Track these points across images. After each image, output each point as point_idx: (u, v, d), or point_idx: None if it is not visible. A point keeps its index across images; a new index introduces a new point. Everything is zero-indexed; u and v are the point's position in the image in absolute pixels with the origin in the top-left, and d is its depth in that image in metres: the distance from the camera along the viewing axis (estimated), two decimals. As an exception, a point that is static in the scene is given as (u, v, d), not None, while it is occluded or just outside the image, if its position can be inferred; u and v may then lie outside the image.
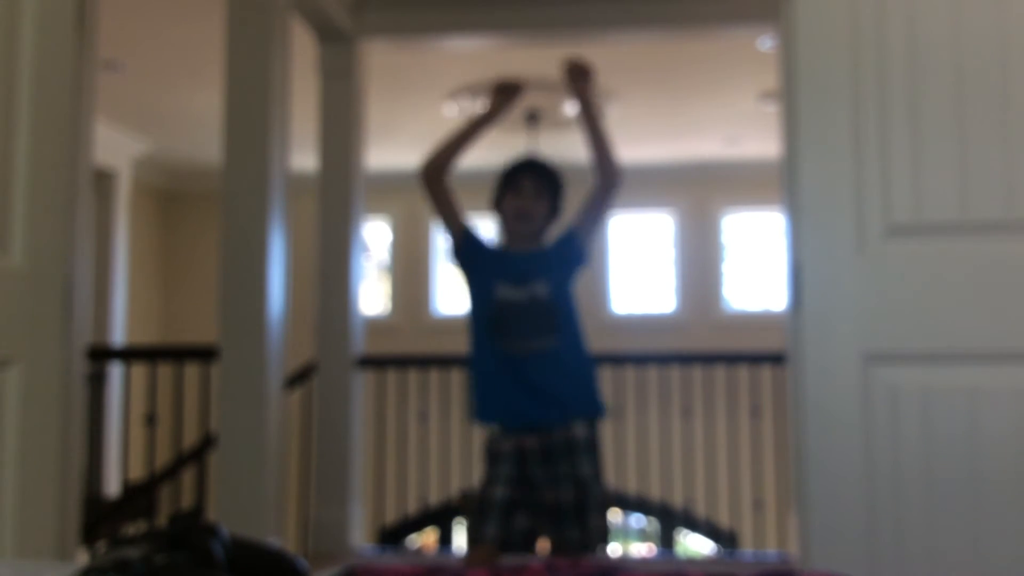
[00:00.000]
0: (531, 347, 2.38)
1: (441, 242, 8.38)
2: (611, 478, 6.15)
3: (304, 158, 4.52)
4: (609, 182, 2.51)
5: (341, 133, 4.39)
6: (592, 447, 2.37)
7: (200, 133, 6.25)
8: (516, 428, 2.36)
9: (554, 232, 2.52)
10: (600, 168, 2.52)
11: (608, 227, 8.19)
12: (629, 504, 6.62)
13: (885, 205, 2.00)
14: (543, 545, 2.42)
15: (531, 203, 2.47)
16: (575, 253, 2.51)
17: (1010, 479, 1.92)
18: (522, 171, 2.51)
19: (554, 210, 2.53)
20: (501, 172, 2.55)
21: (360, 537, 4.44)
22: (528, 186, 2.48)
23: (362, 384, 4.55)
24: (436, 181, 2.50)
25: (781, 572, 2.36)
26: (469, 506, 5.36)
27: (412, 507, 5.83)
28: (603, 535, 2.35)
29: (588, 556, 2.31)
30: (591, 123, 2.53)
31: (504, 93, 2.60)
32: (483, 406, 2.43)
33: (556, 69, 2.60)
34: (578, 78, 2.54)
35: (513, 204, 2.49)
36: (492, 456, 2.40)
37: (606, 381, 5.62)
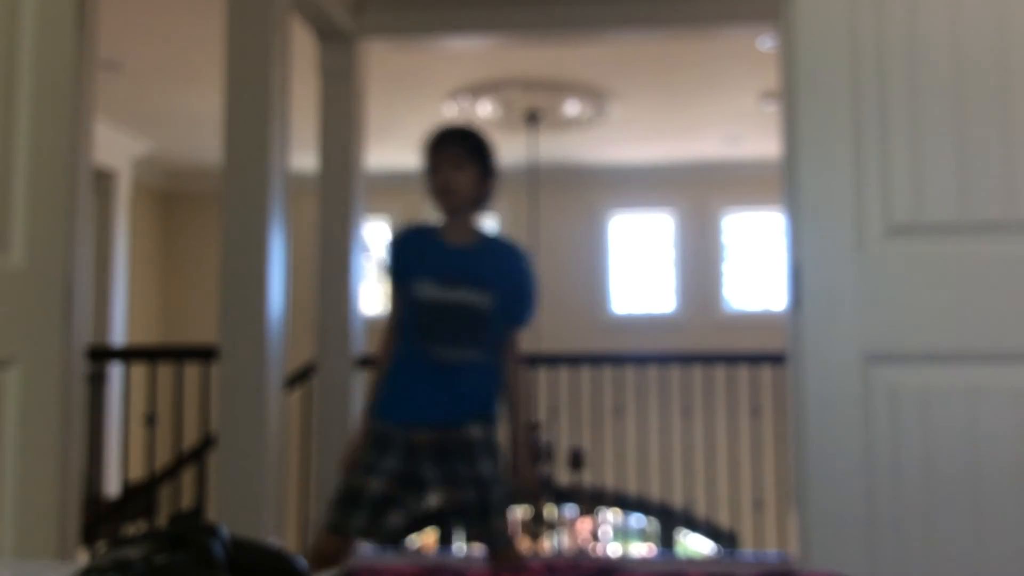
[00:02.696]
0: (451, 356, 2.33)
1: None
2: (611, 478, 6.16)
3: (304, 158, 4.52)
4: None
5: (341, 133, 4.38)
6: (491, 448, 2.32)
7: (200, 133, 6.25)
8: (412, 422, 2.30)
9: (510, 276, 2.45)
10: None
11: (608, 227, 8.20)
12: (629, 504, 6.62)
13: (885, 205, 2.00)
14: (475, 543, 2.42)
15: (451, 175, 2.37)
16: (508, 305, 2.43)
17: (1010, 479, 1.92)
18: (436, 145, 2.41)
19: (486, 175, 2.43)
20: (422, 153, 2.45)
21: (360, 537, 4.44)
22: (445, 158, 2.38)
23: (362, 384, 4.55)
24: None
25: (781, 572, 2.36)
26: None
27: (412, 507, 5.81)
28: (504, 536, 2.31)
29: (500, 552, 2.29)
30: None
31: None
32: (386, 403, 2.36)
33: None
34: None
35: (434, 182, 2.39)
36: (380, 443, 2.31)
37: (606, 381, 5.64)
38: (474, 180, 2.40)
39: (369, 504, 2.26)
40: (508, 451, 2.43)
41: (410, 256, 2.43)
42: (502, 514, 2.30)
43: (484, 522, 2.27)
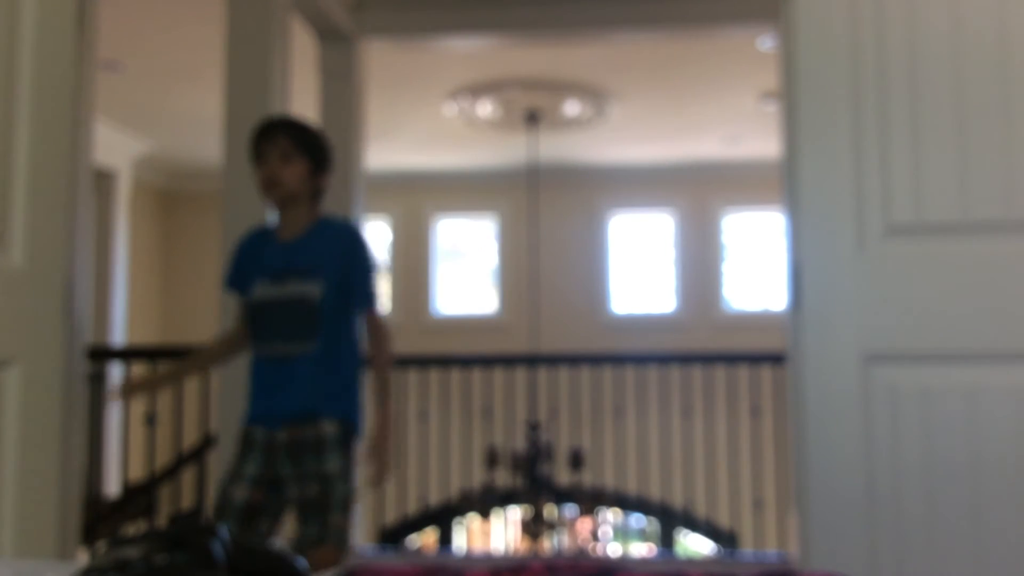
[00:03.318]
0: (286, 351, 2.29)
1: (441, 240, 8.39)
2: (611, 478, 6.16)
3: (304, 158, 4.52)
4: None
5: (341, 133, 4.38)
6: (341, 446, 2.28)
7: (200, 133, 6.25)
8: (268, 416, 2.29)
9: (343, 243, 2.36)
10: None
11: (608, 227, 8.20)
12: (629, 504, 6.62)
13: (885, 205, 2.00)
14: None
15: (277, 167, 2.29)
16: (349, 285, 2.35)
17: (1010, 479, 1.92)
18: (260, 137, 2.33)
19: (318, 166, 2.35)
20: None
21: (360, 537, 4.44)
22: (270, 150, 2.30)
23: (362, 384, 4.54)
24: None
25: (781, 572, 2.36)
26: (467, 506, 5.36)
27: (412, 507, 5.82)
28: (341, 534, 2.26)
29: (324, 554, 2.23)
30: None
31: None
32: (248, 406, 2.36)
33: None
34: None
35: (259, 175, 2.32)
36: (245, 446, 2.31)
37: (606, 381, 5.65)
38: (304, 173, 2.32)
39: (235, 514, 2.24)
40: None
41: (246, 262, 2.40)
42: (342, 511, 2.25)
43: (322, 516, 2.23)
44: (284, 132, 2.33)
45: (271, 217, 2.51)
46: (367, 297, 2.37)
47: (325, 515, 2.24)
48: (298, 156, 2.31)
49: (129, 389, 2.53)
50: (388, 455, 2.38)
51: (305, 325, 2.29)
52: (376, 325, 2.41)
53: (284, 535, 2.34)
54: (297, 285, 2.29)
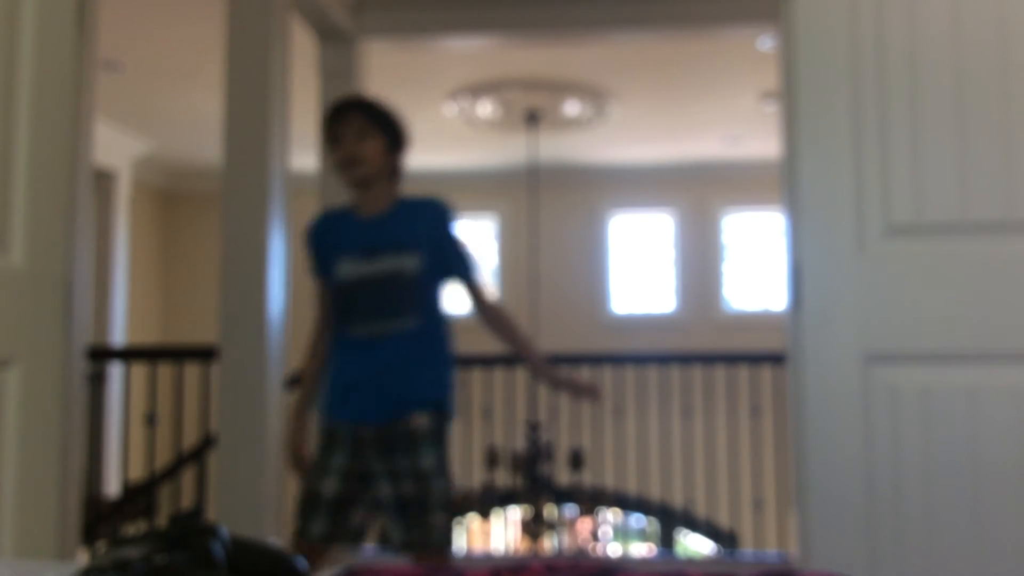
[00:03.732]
0: (381, 330, 2.20)
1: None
2: (611, 478, 6.16)
3: (304, 158, 4.52)
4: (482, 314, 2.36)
5: (341, 133, 4.38)
6: (436, 439, 2.19)
7: (200, 133, 6.25)
8: (355, 420, 2.21)
9: (432, 218, 2.29)
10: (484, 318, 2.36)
11: (608, 227, 8.20)
12: (629, 504, 6.62)
13: (885, 205, 2.00)
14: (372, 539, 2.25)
15: (354, 146, 2.23)
16: (444, 260, 2.28)
17: (1010, 479, 1.92)
18: (333, 119, 2.28)
19: (394, 144, 2.29)
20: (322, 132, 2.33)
21: (360, 537, 4.43)
22: (345, 130, 2.25)
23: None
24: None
25: (781, 572, 2.36)
26: (466, 506, 5.36)
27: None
28: (446, 534, 2.18)
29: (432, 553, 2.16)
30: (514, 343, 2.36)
31: None
32: (328, 397, 2.27)
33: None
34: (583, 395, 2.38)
35: (337, 157, 2.26)
36: (327, 440, 2.23)
37: (606, 381, 5.64)
38: (381, 150, 2.26)
39: (326, 508, 2.18)
40: (529, 369, 2.35)
41: (327, 242, 2.30)
42: (442, 510, 2.17)
43: (422, 517, 2.14)
44: (358, 110, 2.27)
45: (338, 201, 2.41)
46: (469, 266, 2.31)
47: (426, 515, 2.15)
48: (374, 133, 2.25)
49: (300, 460, 2.35)
50: (575, 380, 2.37)
51: (402, 301, 2.21)
52: (484, 291, 2.35)
53: (375, 531, 2.25)
54: (391, 260, 2.21)
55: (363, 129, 2.24)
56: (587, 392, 2.37)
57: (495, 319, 2.34)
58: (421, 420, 2.19)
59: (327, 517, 2.18)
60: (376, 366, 2.21)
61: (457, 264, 2.30)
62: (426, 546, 2.15)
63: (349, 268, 2.23)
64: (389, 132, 2.28)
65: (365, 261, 2.22)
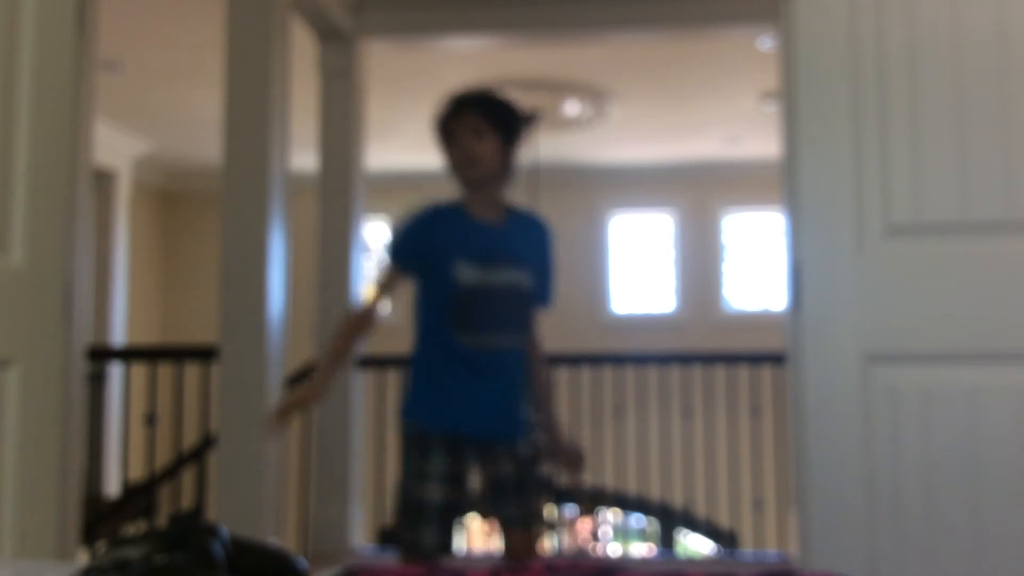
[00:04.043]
0: (499, 343, 2.13)
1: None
2: (611, 478, 6.16)
3: (304, 158, 4.52)
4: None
5: (341, 133, 4.38)
6: (529, 434, 2.20)
7: (200, 133, 6.24)
8: (456, 435, 2.12)
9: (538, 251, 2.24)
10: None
11: (608, 227, 8.20)
12: (629, 504, 6.62)
13: (885, 205, 2.00)
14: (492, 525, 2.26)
15: (471, 145, 2.13)
16: (542, 279, 2.24)
17: (1010, 479, 1.92)
18: (450, 116, 2.18)
19: (509, 141, 2.18)
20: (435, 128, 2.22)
21: (360, 537, 4.44)
22: (462, 129, 2.14)
23: (362, 384, 4.55)
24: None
25: (781, 572, 2.36)
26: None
27: (412, 507, 5.81)
28: (539, 516, 2.17)
29: (533, 537, 2.15)
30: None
31: None
32: (419, 406, 2.15)
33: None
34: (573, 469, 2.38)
35: (453, 156, 2.17)
36: (421, 447, 2.11)
37: (606, 381, 5.64)
38: (497, 149, 2.15)
39: (435, 516, 2.09)
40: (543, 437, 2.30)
41: (437, 239, 2.16)
42: (539, 495, 2.16)
43: (522, 497, 2.13)
44: (472, 108, 2.16)
45: (448, 198, 2.27)
46: (551, 295, 2.27)
47: (526, 495, 2.14)
48: (490, 132, 2.15)
49: (286, 411, 2.27)
50: (574, 451, 2.35)
51: (519, 316, 2.16)
52: (537, 325, 2.30)
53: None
54: (510, 273, 2.14)
55: (478, 128, 2.14)
56: (576, 468, 2.37)
57: (539, 359, 2.30)
58: (523, 448, 2.19)
59: (437, 527, 2.09)
60: (487, 384, 2.13)
61: (545, 292, 2.25)
62: (527, 529, 2.15)
63: (470, 274, 2.10)
64: (505, 131, 2.17)
65: (487, 269, 2.12)
